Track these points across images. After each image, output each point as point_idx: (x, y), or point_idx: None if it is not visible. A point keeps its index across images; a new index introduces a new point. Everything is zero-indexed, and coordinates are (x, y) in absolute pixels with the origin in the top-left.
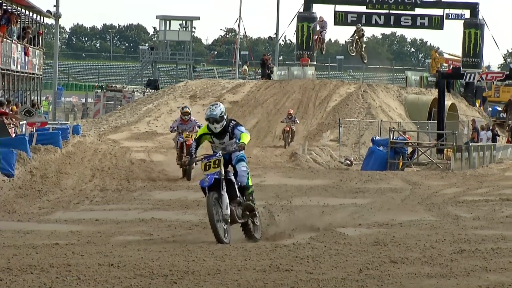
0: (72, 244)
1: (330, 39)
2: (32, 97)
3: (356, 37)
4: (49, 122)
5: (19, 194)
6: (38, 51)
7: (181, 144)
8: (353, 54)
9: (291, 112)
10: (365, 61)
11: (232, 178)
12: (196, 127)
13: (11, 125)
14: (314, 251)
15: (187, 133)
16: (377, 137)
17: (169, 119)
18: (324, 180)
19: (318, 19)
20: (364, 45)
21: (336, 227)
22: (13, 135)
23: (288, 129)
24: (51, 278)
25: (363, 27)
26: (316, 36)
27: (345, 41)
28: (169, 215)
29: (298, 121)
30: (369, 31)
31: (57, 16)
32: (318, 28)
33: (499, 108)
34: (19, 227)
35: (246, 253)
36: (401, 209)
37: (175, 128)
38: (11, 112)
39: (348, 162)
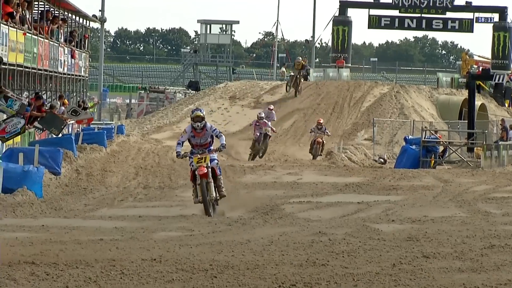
0: (116, 239)
1: (364, 42)
2: (78, 98)
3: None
4: (94, 121)
5: (65, 192)
6: (84, 54)
7: (192, 173)
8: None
9: (321, 122)
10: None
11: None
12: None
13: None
14: (349, 246)
15: (199, 156)
16: (410, 136)
17: (209, 120)
18: (359, 178)
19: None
20: (302, 79)
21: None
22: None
23: (320, 141)
24: (96, 272)
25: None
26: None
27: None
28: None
29: (330, 133)
30: (402, 34)
31: (102, 20)
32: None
33: None
34: (65, 224)
35: (284, 248)
36: (433, 206)
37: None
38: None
39: (382, 160)
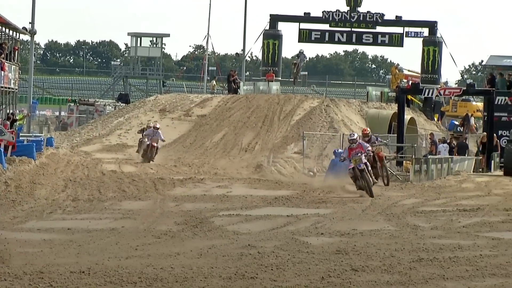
0: (44, 252)
1: (295, 56)
2: (8, 110)
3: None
4: (22, 135)
5: None
6: (14, 66)
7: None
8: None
9: (368, 132)
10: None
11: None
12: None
13: None
14: (278, 259)
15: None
16: (339, 150)
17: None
18: (288, 190)
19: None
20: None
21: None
22: None
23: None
24: (24, 285)
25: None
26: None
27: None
28: (138, 225)
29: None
30: (332, 48)
31: (32, 32)
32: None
33: (457, 122)
34: None
35: (213, 261)
36: (362, 219)
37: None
38: None
39: (312, 173)
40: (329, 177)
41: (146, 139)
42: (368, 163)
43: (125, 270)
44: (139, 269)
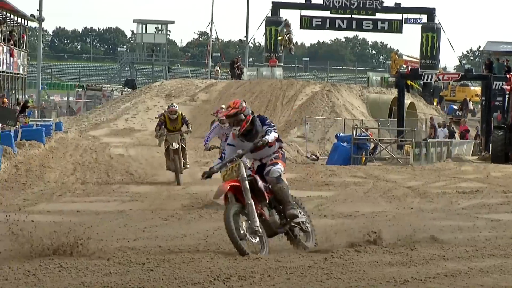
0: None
1: (296, 42)
2: (18, 96)
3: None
4: (32, 119)
5: (4, 187)
6: (23, 52)
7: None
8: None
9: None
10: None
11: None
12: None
13: None
14: (282, 240)
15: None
16: (341, 134)
17: (145, 117)
18: (292, 174)
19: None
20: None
21: None
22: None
23: None
24: (35, 266)
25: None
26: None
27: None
28: (146, 207)
29: None
30: (333, 35)
31: (40, 19)
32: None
33: (455, 107)
34: (4, 218)
35: (218, 242)
36: (364, 201)
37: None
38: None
39: (314, 157)
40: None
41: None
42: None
43: (133, 251)
44: (147, 250)
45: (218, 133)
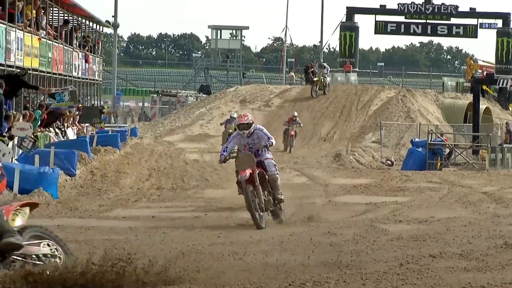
0: (129, 239)
1: (371, 47)
2: (93, 102)
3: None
4: (107, 125)
5: (80, 193)
6: (98, 58)
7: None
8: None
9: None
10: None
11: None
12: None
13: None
14: (357, 246)
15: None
16: (416, 139)
17: (220, 122)
18: (367, 179)
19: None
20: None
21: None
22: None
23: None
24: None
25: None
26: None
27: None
28: (221, 212)
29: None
30: (408, 40)
31: (115, 26)
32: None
33: None
34: (80, 224)
35: (293, 248)
36: (439, 207)
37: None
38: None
39: (389, 162)
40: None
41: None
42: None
43: (207, 257)
44: (223, 256)
45: (238, 143)
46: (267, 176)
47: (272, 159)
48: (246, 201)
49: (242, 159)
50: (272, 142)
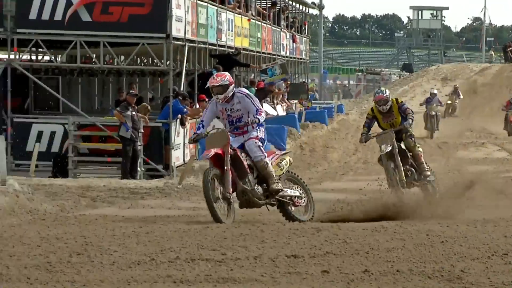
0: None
1: None
2: (301, 79)
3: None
4: (314, 102)
5: (291, 166)
6: (305, 38)
7: None
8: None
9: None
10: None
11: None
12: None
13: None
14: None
15: None
16: None
17: (423, 99)
18: None
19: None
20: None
21: None
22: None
23: None
24: (320, 240)
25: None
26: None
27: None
28: None
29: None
30: None
31: (321, 7)
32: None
33: None
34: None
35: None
36: None
37: None
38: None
39: None
40: None
41: None
42: None
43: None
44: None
45: (215, 111)
46: (245, 162)
47: (257, 138)
48: (204, 188)
49: (211, 137)
50: (258, 119)
